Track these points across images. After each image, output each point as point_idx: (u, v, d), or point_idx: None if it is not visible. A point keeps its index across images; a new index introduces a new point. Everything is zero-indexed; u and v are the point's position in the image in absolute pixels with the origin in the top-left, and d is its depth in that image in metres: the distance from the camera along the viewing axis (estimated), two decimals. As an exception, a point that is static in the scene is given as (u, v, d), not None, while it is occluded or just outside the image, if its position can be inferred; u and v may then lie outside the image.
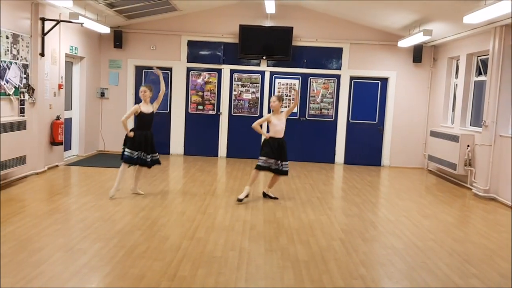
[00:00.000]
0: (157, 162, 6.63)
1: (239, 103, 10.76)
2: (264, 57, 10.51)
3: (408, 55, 10.47)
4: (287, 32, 10.26)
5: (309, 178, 8.73)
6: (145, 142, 6.36)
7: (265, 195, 6.83)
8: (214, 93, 10.71)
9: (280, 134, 6.55)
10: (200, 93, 10.71)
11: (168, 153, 10.72)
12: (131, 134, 6.27)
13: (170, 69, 10.64)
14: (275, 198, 6.79)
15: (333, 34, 10.49)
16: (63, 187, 7.24)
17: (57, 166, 8.37)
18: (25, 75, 7.24)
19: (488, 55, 7.79)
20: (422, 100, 10.62)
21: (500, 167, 7.41)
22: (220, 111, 10.72)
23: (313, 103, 10.77)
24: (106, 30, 9.23)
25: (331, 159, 10.82)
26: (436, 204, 7.07)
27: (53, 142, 8.11)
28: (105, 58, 10.51)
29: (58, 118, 8.20)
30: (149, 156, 6.44)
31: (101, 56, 10.45)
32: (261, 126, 6.69)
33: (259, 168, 6.48)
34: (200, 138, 10.76)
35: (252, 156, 10.69)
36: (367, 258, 4.51)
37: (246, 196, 6.49)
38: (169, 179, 8.17)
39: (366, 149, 10.84)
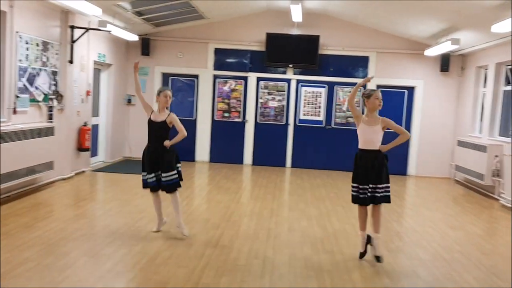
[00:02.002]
0: (172, 185, 4.98)
1: (265, 111, 10.79)
2: (291, 65, 10.53)
3: (436, 64, 10.31)
4: (314, 40, 10.26)
5: (334, 187, 8.66)
6: (156, 159, 5.01)
7: (368, 240, 4.64)
8: (240, 101, 10.78)
9: (372, 145, 4.61)
10: (226, 101, 10.79)
11: (194, 160, 10.82)
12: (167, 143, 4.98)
13: (197, 77, 10.76)
14: (377, 258, 4.49)
15: (360, 42, 10.44)
16: (89, 193, 7.39)
17: (83, 172, 8.54)
18: (54, 82, 7.43)
19: (518, 63, 7.61)
20: (449, 109, 10.43)
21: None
22: (246, 119, 10.77)
23: (339, 112, 10.71)
24: (134, 37, 9.43)
25: (356, 168, 10.70)
26: (463, 215, 6.91)
27: (80, 148, 8.26)
28: (132, 65, 10.65)
29: (85, 124, 8.38)
30: (164, 176, 4.99)
31: (128, 64, 10.64)
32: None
33: (354, 201, 4.69)
34: (226, 146, 10.81)
35: (277, 164, 10.73)
36: (392, 268, 4.44)
37: (367, 244, 4.66)
38: (194, 186, 8.24)
39: (392, 158, 10.49)
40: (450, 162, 10.37)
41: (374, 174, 4.53)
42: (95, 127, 9.42)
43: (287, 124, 10.76)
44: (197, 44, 10.62)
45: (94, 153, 9.35)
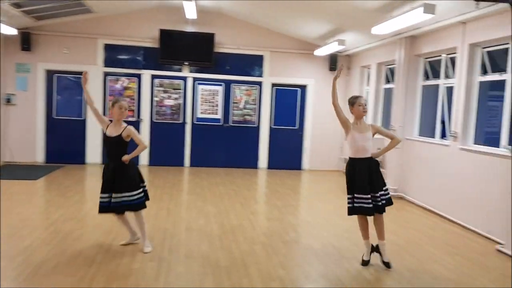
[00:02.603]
0: (135, 206, 4.57)
1: (161, 110, 10.54)
2: (186, 63, 10.40)
3: (325, 64, 10.90)
4: (209, 38, 10.25)
5: (233, 184, 8.74)
6: (113, 178, 4.53)
7: (373, 249, 4.55)
8: (134, 99, 10.40)
9: (365, 153, 4.49)
10: (116, 96, 10.31)
11: (84, 163, 10.22)
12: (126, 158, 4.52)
13: (86, 74, 10.16)
14: (386, 264, 4.42)
15: (254, 41, 10.65)
16: (-37, 202, 6.62)
17: (-44, 179, 7.64)
18: None
19: (395, 64, 8.32)
20: (338, 106, 11.07)
21: (407, 168, 7.93)
22: (141, 118, 10.43)
23: (236, 110, 10.84)
24: (11, 31, 8.63)
25: (254, 165, 10.94)
26: (352, 205, 7.37)
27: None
28: (11, 61, 9.76)
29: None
30: (118, 197, 4.51)
31: (6, 60, 9.70)
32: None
33: (350, 212, 4.49)
34: (119, 146, 10.33)
35: (175, 163, 10.56)
36: (286, 259, 4.60)
37: (371, 253, 4.58)
38: (85, 190, 7.78)
39: (287, 154, 11.10)
40: (339, 155, 11.05)
41: (374, 182, 4.38)
42: (-32, 130, 8.45)
43: (184, 122, 10.64)
44: (84, 40, 10.03)
45: (-33, 159, 8.38)
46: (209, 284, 3.87)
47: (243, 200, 7.36)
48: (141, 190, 4.62)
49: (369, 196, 4.37)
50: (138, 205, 4.58)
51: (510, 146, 5.43)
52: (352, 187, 4.44)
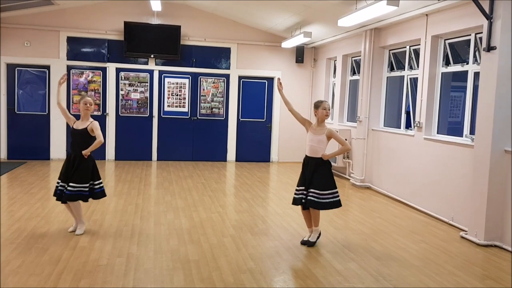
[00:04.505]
0: (74, 196, 4.82)
1: (127, 103, 10.36)
2: (152, 56, 10.25)
3: (291, 56, 10.96)
4: (175, 30, 10.12)
5: (201, 177, 8.71)
6: (71, 167, 4.87)
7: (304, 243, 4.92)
8: (99, 93, 10.18)
9: (315, 153, 4.82)
10: (83, 93, 10.09)
11: (49, 158, 9.96)
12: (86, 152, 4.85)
13: (48, 67, 9.88)
14: (308, 243, 4.87)
15: (221, 34, 10.59)
16: None
17: None
18: None
19: (360, 56, 8.44)
20: (305, 98, 11.17)
21: (373, 158, 8.09)
22: (107, 112, 10.23)
23: (204, 102, 10.77)
24: (-32, 23, 8.27)
25: (223, 157, 10.93)
26: (320, 196, 7.47)
27: None
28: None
29: None
30: (72, 185, 4.80)
31: (-37, 53, 9.34)
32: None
33: (293, 202, 4.91)
34: (85, 141, 10.10)
35: (143, 157, 10.42)
36: (256, 251, 4.62)
37: (318, 237, 4.93)
38: (49, 186, 7.57)
39: (256, 146, 11.13)
40: (308, 147, 11.16)
41: (317, 179, 4.70)
42: None
43: (151, 116, 10.50)
44: (46, 32, 9.73)
45: None
46: (179, 279, 3.85)
47: (211, 193, 7.34)
48: (85, 185, 4.87)
49: (302, 188, 4.79)
50: (76, 196, 4.84)
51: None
52: (299, 180, 4.90)
